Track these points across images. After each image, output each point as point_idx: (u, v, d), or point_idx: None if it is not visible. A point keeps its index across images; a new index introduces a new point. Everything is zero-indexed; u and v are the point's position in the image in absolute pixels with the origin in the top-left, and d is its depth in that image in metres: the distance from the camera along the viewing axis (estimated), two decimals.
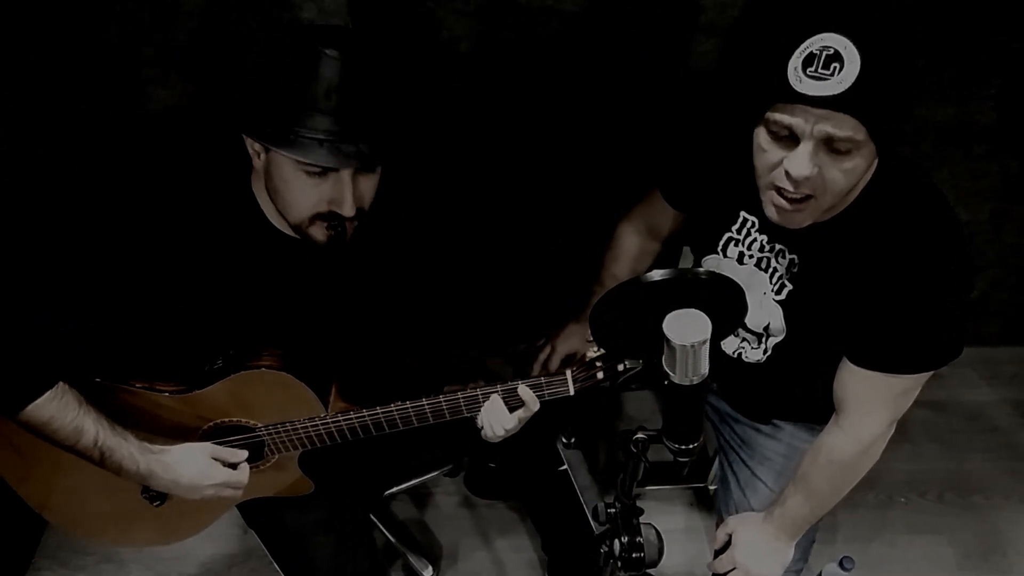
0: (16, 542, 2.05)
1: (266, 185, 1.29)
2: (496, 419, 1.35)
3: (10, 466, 1.40)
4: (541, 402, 1.36)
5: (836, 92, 1.04)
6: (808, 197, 1.16)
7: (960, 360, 1.29)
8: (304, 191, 1.22)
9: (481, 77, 1.76)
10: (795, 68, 1.05)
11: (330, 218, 1.25)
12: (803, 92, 1.05)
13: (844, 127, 1.07)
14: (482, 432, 1.39)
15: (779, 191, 1.17)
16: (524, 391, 1.34)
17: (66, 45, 1.62)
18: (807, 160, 1.10)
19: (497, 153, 1.91)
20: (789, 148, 1.12)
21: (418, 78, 1.68)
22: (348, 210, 1.23)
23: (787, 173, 1.12)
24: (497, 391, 1.35)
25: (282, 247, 1.36)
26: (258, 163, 1.27)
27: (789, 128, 1.09)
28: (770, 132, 1.13)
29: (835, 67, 1.03)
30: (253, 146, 1.26)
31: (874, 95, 1.04)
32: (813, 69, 1.04)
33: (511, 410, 1.35)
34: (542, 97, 1.80)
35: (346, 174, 1.21)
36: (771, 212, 1.21)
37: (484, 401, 1.35)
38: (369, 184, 1.26)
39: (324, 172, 1.20)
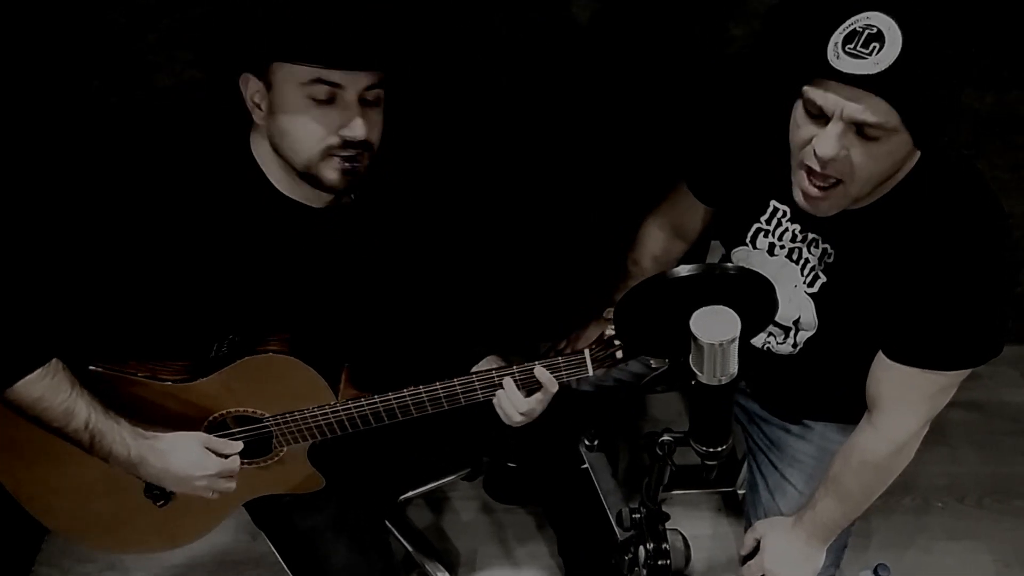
0: (16, 548, 2.03)
1: (270, 138, 1.27)
2: (514, 402, 1.33)
3: (7, 468, 1.38)
4: (560, 383, 1.34)
5: (872, 72, 1.04)
6: (836, 184, 1.16)
7: (1000, 359, 1.26)
8: (312, 123, 1.22)
9: (502, 64, 1.74)
10: (835, 44, 1.06)
11: (342, 150, 1.24)
12: (839, 69, 1.06)
13: (875, 112, 1.07)
14: (500, 414, 1.36)
15: (808, 172, 1.18)
16: (541, 372, 1.32)
17: (68, 32, 1.61)
18: (834, 140, 1.11)
19: (513, 144, 1.89)
20: (820, 126, 1.13)
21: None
22: (359, 130, 1.22)
23: (814, 151, 1.13)
24: (514, 373, 1.33)
25: (288, 213, 1.33)
26: (259, 116, 1.26)
27: (820, 108, 1.11)
28: (805, 108, 1.15)
29: (875, 47, 1.04)
30: (253, 98, 1.25)
31: (910, 80, 1.04)
32: (853, 46, 1.05)
33: (528, 393, 1.34)
34: (563, 86, 1.78)
35: (352, 98, 1.22)
36: (799, 197, 1.22)
37: (500, 383, 1.33)
38: (376, 117, 1.27)
39: (331, 100, 1.21)
